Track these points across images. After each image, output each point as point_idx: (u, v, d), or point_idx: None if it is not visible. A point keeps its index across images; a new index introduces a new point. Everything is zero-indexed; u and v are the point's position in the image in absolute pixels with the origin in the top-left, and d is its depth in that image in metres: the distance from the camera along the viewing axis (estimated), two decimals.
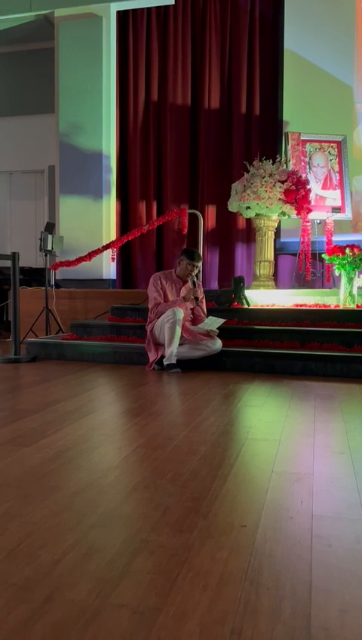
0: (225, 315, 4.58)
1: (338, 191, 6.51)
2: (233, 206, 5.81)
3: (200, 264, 4.42)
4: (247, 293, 5.27)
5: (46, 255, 6.17)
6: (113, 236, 7.33)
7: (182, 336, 4.16)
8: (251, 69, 7.36)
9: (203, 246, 6.70)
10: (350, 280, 5.04)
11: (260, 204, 5.46)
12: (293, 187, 5.42)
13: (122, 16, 7.55)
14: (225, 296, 5.18)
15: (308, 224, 5.95)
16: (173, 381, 3.78)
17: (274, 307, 5.20)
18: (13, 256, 4.80)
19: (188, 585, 1.16)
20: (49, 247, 6.04)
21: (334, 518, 1.52)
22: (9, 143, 8.69)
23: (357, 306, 5.03)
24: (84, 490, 1.70)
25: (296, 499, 1.65)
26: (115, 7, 7.32)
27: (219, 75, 7.46)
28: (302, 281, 6.27)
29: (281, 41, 7.11)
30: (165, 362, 4.15)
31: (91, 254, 6.21)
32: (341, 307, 5.05)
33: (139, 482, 1.77)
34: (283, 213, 5.64)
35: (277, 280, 6.46)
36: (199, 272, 4.92)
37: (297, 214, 5.64)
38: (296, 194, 5.44)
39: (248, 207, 5.59)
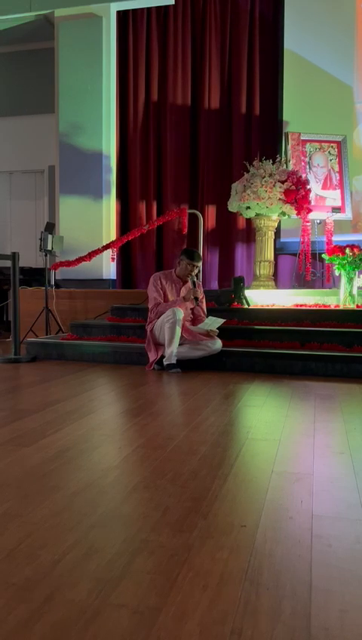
0: (225, 315, 4.58)
1: (338, 191, 6.51)
2: (233, 206, 5.81)
3: (200, 264, 4.42)
4: (247, 293, 5.27)
5: (46, 255, 6.17)
6: (113, 236, 7.33)
7: (182, 336, 4.17)
8: (251, 69, 7.36)
9: (203, 246, 6.70)
10: (350, 280, 5.04)
11: (260, 204, 5.46)
12: (293, 187, 5.43)
13: (122, 16, 7.55)
14: (225, 296, 5.18)
15: (308, 224, 5.95)
16: (173, 381, 3.78)
17: (274, 307, 5.20)
18: (13, 256, 4.80)
19: (188, 585, 1.16)
20: (49, 247, 6.04)
21: (334, 518, 1.52)
22: (9, 143, 8.69)
23: (357, 306, 5.03)
24: (84, 490, 1.70)
25: (296, 499, 1.65)
26: (115, 7, 7.32)
27: (219, 75, 7.46)
28: (302, 281, 6.27)
29: (281, 41, 7.11)
30: (165, 362, 4.15)
31: (91, 254, 6.21)
32: (341, 307, 5.05)
33: (139, 482, 1.77)
34: (283, 213, 5.64)
35: (277, 280, 6.46)
36: (199, 272, 4.92)
37: (297, 214, 5.64)
38: (296, 194, 5.44)
39: (248, 207, 5.59)
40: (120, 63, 7.64)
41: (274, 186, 5.41)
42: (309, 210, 5.66)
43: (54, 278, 6.89)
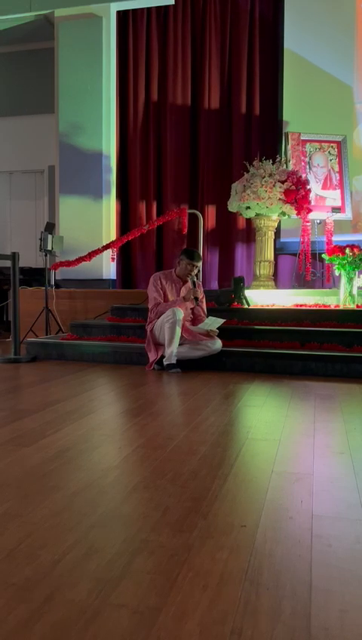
0: (225, 315, 4.58)
1: (338, 191, 6.51)
2: (233, 206, 5.81)
3: (200, 264, 4.42)
4: (247, 293, 5.27)
5: (46, 255, 6.17)
6: (113, 236, 7.33)
7: (182, 336, 4.16)
8: (251, 69, 7.36)
9: (203, 246, 6.70)
10: (350, 280, 5.04)
11: (260, 204, 5.46)
12: (293, 187, 5.43)
13: (122, 16, 7.55)
14: (225, 296, 5.18)
15: (308, 224, 5.95)
16: (173, 381, 3.78)
17: (274, 307, 5.20)
18: (13, 256, 4.80)
19: (188, 585, 1.16)
20: (49, 247, 6.04)
21: (334, 518, 1.52)
22: (9, 143, 8.69)
23: (357, 306, 5.03)
24: (84, 490, 1.70)
25: (296, 499, 1.65)
26: (115, 7, 7.32)
27: (219, 75, 7.47)
28: (302, 281, 6.27)
29: (281, 41, 7.11)
30: (165, 362, 4.15)
31: (91, 254, 6.21)
32: (341, 307, 5.05)
33: (139, 482, 1.77)
34: (283, 213, 5.64)
35: (277, 280, 6.47)
36: (199, 272, 4.92)
37: (297, 214, 5.64)
38: (296, 194, 5.44)
39: (248, 207, 5.59)
40: (120, 63, 7.64)
41: (274, 186, 5.42)
42: (309, 210, 5.66)
43: (54, 278, 6.89)
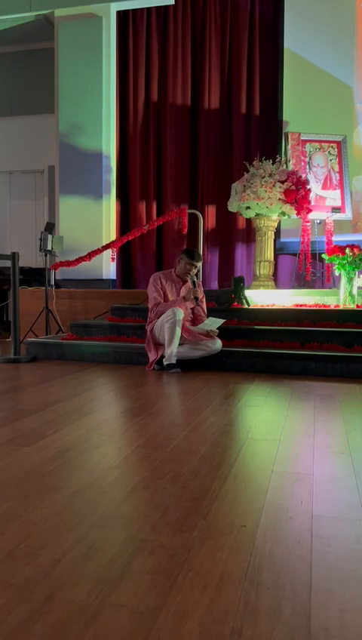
0: (225, 315, 4.58)
1: (338, 191, 6.51)
2: (233, 206, 5.81)
3: (199, 264, 4.42)
4: (247, 293, 5.26)
5: (46, 255, 6.17)
6: (113, 236, 7.33)
7: (182, 336, 4.16)
8: (251, 69, 7.36)
9: (203, 246, 6.71)
10: (350, 280, 5.04)
11: (260, 204, 5.46)
12: (293, 187, 5.43)
13: (122, 16, 7.55)
14: (225, 296, 5.17)
15: (308, 224, 5.95)
16: (173, 381, 3.78)
17: (274, 307, 5.20)
18: (13, 256, 4.80)
19: (188, 585, 1.16)
20: (49, 247, 6.04)
21: (334, 518, 1.52)
22: (9, 143, 8.69)
23: (357, 306, 5.03)
24: (84, 490, 1.70)
25: (296, 499, 1.65)
26: (115, 7, 7.32)
27: (219, 75, 7.47)
28: (302, 281, 6.27)
29: (281, 41, 7.11)
30: (165, 362, 4.15)
31: (91, 254, 6.21)
32: (341, 307, 5.05)
33: (139, 482, 1.77)
34: (283, 213, 5.64)
35: (277, 280, 6.47)
36: (199, 272, 4.92)
37: (297, 214, 5.64)
38: (296, 194, 5.44)
39: (248, 207, 5.59)
40: (120, 63, 7.64)
41: (274, 186, 5.42)
42: (309, 210, 5.66)
43: (54, 278, 6.90)
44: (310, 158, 6.53)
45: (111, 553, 1.30)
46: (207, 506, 1.59)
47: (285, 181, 5.45)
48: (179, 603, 1.10)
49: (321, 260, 5.64)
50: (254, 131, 7.37)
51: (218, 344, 4.23)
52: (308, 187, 5.64)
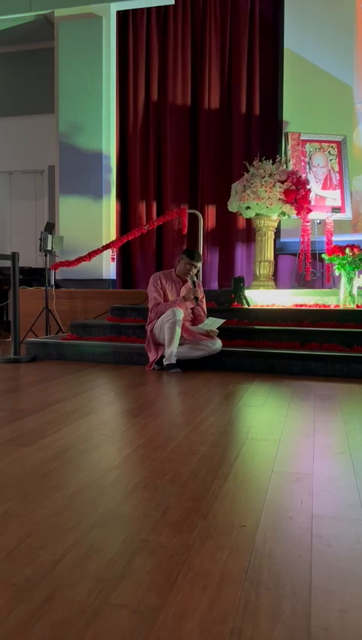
0: (225, 315, 4.58)
1: (338, 191, 6.51)
2: (233, 206, 5.81)
3: (199, 264, 4.42)
4: (247, 293, 5.27)
5: (46, 255, 6.18)
6: (113, 236, 7.33)
7: (182, 336, 4.16)
8: (251, 69, 7.36)
9: (203, 246, 6.71)
10: (350, 280, 5.04)
11: (260, 204, 5.46)
12: (293, 187, 5.43)
13: (122, 16, 7.55)
14: (225, 296, 5.18)
15: (308, 224, 5.95)
16: (173, 381, 3.78)
17: (274, 307, 5.20)
18: (13, 256, 4.80)
19: (188, 585, 1.16)
20: (49, 247, 6.04)
21: (334, 518, 1.52)
22: (9, 143, 8.69)
23: (357, 306, 5.03)
24: (84, 490, 1.70)
25: (296, 499, 1.65)
26: (115, 7, 7.32)
27: (219, 75, 7.47)
28: (302, 281, 6.27)
29: (281, 41, 7.11)
30: (165, 362, 4.14)
31: (91, 254, 6.21)
32: (341, 307, 5.05)
33: (139, 482, 1.77)
34: (283, 213, 5.64)
35: (277, 280, 6.47)
36: (199, 272, 4.92)
37: (297, 214, 5.64)
38: (296, 194, 5.44)
39: (248, 207, 5.59)
40: (120, 63, 7.64)
41: (274, 186, 5.42)
42: (309, 210, 5.66)
43: (54, 278, 6.90)
44: (310, 158, 6.53)
45: (111, 553, 1.30)
46: (207, 506, 1.59)
47: (285, 181, 5.45)
48: (179, 603, 1.10)
49: (321, 259, 5.64)
50: (254, 131, 7.37)
51: (218, 344, 4.23)
52: (308, 187, 5.64)
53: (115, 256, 7.00)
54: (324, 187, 6.49)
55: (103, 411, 2.86)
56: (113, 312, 5.45)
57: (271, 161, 5.63)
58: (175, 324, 4.08)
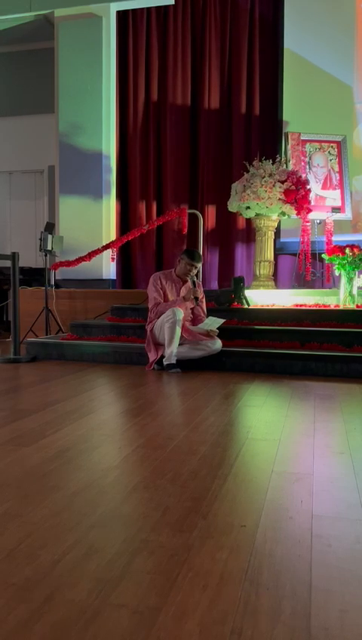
0: (225, 315, 4.58)
1: (338, 191, 6.51)
2: (233, 206, 5.81)
3: (200, 265, 4.42)
4: (247, 293, 5.27)
5: (46, 255, 6.18)
6: (113, 236, 7.33)
7: (182, 336, 4.16)
8: (251, 69, 7.36)
9: (203, 246, 6.71)
10: (350, 280, 5.04)
11: (260, 204, 5.46)
12: (293, 187, 5.43)
13: (122, 16, 7.55)
14: (225, 296, 5.17)
15: (308, 224, 5.95)
16: (173, 381, 3.78)
17: (274, 307, 5.20)
18: (13, 256, 4.80)
19: (188, 585, 1.16)
20: (49, 247, 6.04)
21: (334, 518, 1.52)
22: (9, 143, 8.69)
23: (357, 306, 5.03)
24: (84, 490, 1.70)
25: (296, 499, 1.65)
26: (114, 7, 7.32)
27: (219, 75, 7.47)
28: (302, 281, 6.27)
29: (281, 41, 7.11)
30: (165, 362, 4.14)
31: (91, 254, 6.21)
32: (341, 307, 5.05)
33: (139, 482, 1.77)
34: (283, 213, 5.64)
35: (277, 280, 6.47)
36: (199, 272, 4.92)
37: (297, 214, 5.64)
38: (296, 194, 5.44)
39: (248, 207, 5.59)
40: (120, 63, 7.64)
41: (274, 186, 5.42)
42: (309, 210, 5.66)
43: (54, 278, 6.90)
44: (310, 158, 6.53)
45: (111, 553, 1.30)
46: (207, 506, 1.59)
47: (285, 181, 5.45)
48: (179, 603, 1.10)
49: (321, 260, 5.64)
50: (254, 131, 7.37)
51: (218, 344, 4.23)
52: (308, 187, 5.64)
53: (115, 256, 7.00)
54: (324, 187, 6.49)
55: (103, 411, 2.86)
56: (113, 312, 5.45)
57: (271, 161, 5.63)
58: (175, 324, 4.08)
